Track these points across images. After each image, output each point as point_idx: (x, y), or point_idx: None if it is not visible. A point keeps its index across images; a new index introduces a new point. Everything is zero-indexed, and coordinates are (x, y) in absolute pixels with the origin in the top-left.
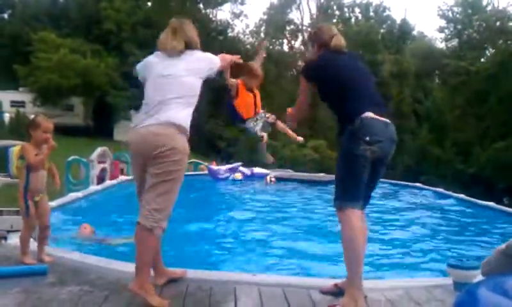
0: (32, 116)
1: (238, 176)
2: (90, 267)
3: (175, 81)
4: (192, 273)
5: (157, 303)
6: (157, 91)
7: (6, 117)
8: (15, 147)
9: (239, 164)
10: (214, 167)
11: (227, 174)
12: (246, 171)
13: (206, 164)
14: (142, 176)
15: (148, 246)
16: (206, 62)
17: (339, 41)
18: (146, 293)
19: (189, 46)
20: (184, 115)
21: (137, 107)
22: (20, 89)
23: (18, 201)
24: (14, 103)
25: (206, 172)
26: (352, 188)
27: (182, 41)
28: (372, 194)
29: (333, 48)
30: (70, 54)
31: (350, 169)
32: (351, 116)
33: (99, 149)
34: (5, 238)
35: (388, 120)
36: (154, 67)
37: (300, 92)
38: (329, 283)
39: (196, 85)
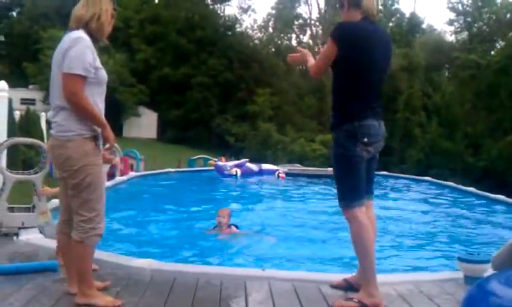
0: (43, 114)
1: (234, 171)
2: (100, 262)
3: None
4: (201, 268)
5: (104, 303)
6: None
7: (17, 114)
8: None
9: (246, 160)
10: (221, 163)
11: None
12: (254, 167)
13: (215, 159)
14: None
15: (83, 257)
16: None
17: (371, 3)
18: (91, 298)
19: None
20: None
21: (145, 103)
22: (30, 86)
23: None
24: (24, 101)
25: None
26: (354, 188)
27: None
28: (382, 188)
29: (365, 11)
30: None
31: (348, 170)
32: (351, 117)
33: (108, 146)
34: (17, 235)
35: (381, 119)
36: None
37: (321, 58)
38: (339, 277)
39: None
